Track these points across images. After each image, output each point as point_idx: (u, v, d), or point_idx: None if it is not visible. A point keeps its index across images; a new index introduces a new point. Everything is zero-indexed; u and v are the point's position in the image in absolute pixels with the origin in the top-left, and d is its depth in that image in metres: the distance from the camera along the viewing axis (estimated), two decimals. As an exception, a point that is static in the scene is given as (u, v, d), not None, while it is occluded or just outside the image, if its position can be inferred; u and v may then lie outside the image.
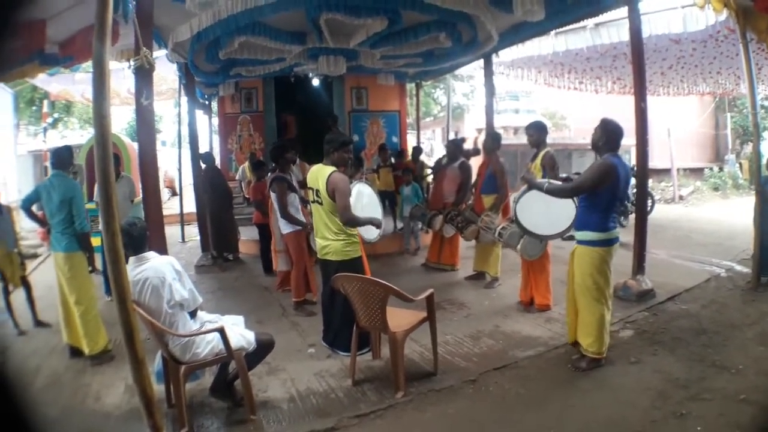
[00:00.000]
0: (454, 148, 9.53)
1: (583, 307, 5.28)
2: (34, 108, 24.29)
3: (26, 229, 8.07)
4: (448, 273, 9.45)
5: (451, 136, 18.07)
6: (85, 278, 6.10)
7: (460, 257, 9.77)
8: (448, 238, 9.37)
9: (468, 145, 11.52)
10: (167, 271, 4.29)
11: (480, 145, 9.13)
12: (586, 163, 19.58)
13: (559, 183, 5.69)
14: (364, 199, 6.38)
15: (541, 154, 6.85)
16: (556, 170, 6.65)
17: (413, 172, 11.50)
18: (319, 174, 5.63)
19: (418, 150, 13.95)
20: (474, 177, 9.01)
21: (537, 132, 7.07)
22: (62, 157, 6.35)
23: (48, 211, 6.10)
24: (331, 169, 5.59)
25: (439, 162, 10.48)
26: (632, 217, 9.99)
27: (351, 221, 5.55)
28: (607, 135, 5.21)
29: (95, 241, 6.52)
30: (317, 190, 5.65)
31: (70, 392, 5.35)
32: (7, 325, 7.11)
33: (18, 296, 7.36)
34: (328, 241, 5.72)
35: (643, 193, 8.11)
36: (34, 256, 11.55)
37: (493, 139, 8.65)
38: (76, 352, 6.08)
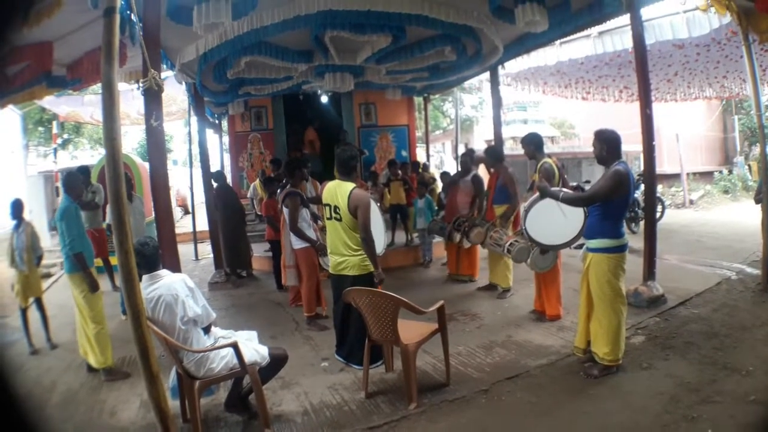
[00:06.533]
0: (468, 160, 9.59)
1: (603, 316, 5.27)
2: (43, 129, 24.48)
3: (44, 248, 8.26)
4: (461, 284, 9.45)
5: (461, 148, 18.06)
6: (93, 298, 6.18)
7: (479, 269, 9.77)
8: (465, 249, 9.39)
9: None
10: (180, 288, 4.34)
11: (484, 165, 9.16)
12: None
13: (573, 192, 5.73)
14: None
15: (538, 165, 6.89)
16: (553, 182, 6.63)
17: (426, 185, 11.52)
18: (338, 190, 5.62)
19: (420, 164, 14.02)
20: (485, 188, 9.01)
21: (527, 145, 7.19)
22: (66, 181, 6.48)
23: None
24: (351, 185, 5.60)
25: (446, 174, 10.49)
26: (642, 223, 9.98)
27: (369, 240, 5.56)
28: (608, 144, 5.25)
29: (112, 260, 6.60)
30: (335, 207, 5.64)
31: (85, 408, 5.41)
32: (21, 344, 7.22)
33: (32, 314, 7.45)
34: (344, 257, 5.71)
35: (652, 199, 8.07)
36: (47, 275, 11.63)
37: (490, 155, 8.69)
38: (93, 367, 6.17)
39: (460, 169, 9.96)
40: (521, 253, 7.00)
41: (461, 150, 16.16)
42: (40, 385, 6.00)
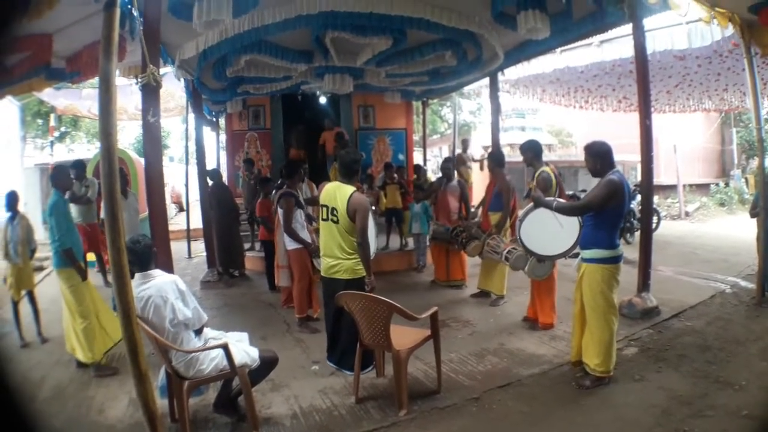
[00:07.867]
0: (450, 166, 9.82)
1: (595, 327, 5.25)
2: (41, 121, 24.37)
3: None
4: (454, 290, 9.43)
5: (458, 152, 18.03)
6: (80, 293, 6.16)
7: (468, 274, 9.75)
8: (454, 253, 9.41)
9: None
10: (170, 290, 4.31)
11: (486, 167, 9.21)
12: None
13: (567, 201, 5.71)
14: None
15: (536, 174, 6.86)
16: (551, 191, 6.60)
17: (423, 189, 11.48)
18: (338, 193, 5.57)
19: (422, 168, 14.02)
20: (483, 195, 8.99)
21: (526, 152, 7.14)
22: (54, 176, 6.45)
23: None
24: (351, 189, 5.56)
25: (441, 179, 10.49)
26: (638, 234, 9.96)
27: (365, 245, 5.52)
28: (600, 157, 5.24)
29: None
30: (333, 208, 5.59)
31: (74, 404, 5.38)
32: (12, 337, 7.19)
33: (23, 308, 7.44)
34: (338, 260, 5.65)
35: (648, 210, 8.01)
36: (41, 268, 11.57)
37: (492, 158, 8.67)
38: (82, 363, 6.13)
39: (441, 175, 10.00)
40: (519, 260, 6.96)
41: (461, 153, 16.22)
42: (29, 379, 5.97)
